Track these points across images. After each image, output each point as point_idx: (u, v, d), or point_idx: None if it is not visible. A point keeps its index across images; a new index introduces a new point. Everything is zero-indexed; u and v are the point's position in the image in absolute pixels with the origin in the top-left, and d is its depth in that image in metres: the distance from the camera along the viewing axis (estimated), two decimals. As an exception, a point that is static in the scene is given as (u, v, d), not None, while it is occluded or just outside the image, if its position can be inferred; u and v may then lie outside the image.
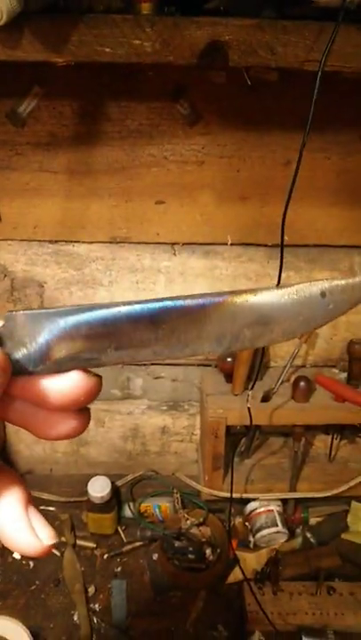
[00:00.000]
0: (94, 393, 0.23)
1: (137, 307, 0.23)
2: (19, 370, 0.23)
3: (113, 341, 0.23)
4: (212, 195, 0.93)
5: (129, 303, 0.23)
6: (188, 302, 0.24)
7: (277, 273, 1.00)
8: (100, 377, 0.24)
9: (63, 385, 0.23)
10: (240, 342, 0.24)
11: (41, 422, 0.24)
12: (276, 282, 1.01)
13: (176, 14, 0.56)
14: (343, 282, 0.24)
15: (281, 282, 0.82)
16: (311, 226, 0.96)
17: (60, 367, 0.23)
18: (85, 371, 0.23)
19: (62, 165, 0.90)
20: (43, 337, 0.23)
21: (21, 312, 0.23)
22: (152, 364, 1.12)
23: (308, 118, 0.67)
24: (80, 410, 0.24)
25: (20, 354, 0.23)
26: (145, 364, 1.12)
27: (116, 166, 0.90)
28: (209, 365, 1.10)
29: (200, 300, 0.24)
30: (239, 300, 0.24)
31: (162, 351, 0.24)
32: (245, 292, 0.24)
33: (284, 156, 0.90)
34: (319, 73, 0.56)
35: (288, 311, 0.24)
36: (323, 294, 0.24)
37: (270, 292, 0.24)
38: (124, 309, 0.23)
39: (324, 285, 0.24)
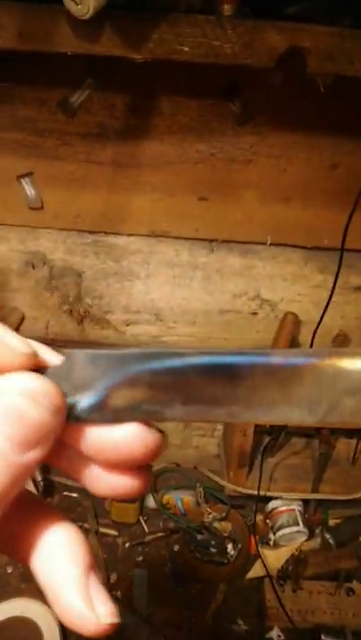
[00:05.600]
0: (154, 450, 0.20)
1: (214, 357, 0.20)
2: (72, 415, 0.20)
3: (181, 395, 0.20)
4: (256, 194, 0.93)
5: (205, 353, 0.20)
6: (278, 358, 0.20)
7: (314, 276, 1.01)
8: (163, 433, 0.21)
9: (118, 437, 0.20)
10: (338, 414, 0.20)
11: (93, 476, 0.21)
12: (311, 284, 1.02)
13: (250, 16, 0.56)
14: None
15: (328, 286, 0.82)
16: (353, 230, 0.96)
17: (118, 417, 0.20)
18: (147, 424, 0.20)
19: (109, 157, 0.90)
20: (101, 381, 0.20)
21: (83, 351, 0.21)
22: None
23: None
24: (139, 468, 0.21)
25: (75, 397, 0.20)
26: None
27: (162, 160, 0.90)
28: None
29: (293, 358, 0.20)
30: (343, 362, 0.20)
31: (240, 413, 0.20)
32: (352, 352, 0.20)
33: (331, 159, 0.90)
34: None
35: None
36: None
37: None
38: (197, 359, 0.20)
39: None
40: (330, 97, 0.83)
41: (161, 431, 0.21)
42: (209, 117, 0.85)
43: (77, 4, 0.49)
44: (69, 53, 0.56)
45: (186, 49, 0.54)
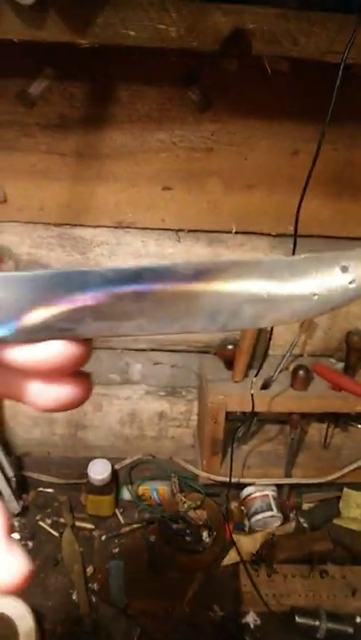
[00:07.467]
0: (80, 359, 0.21)
1: (119, 273, 0.21)
2: None
3: (91, 311, 0.21)
4: (220, 182, 0.93)
5: (111, 269, 0.21)
6: (179, 269, 0.21)
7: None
8: (86, 341, 0.21)
9: (41, 354, 0.21)
10: (239, 320, 0.21)
11: (34, 393, 0.22)
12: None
13: (197, -1, 0.56)
14: None
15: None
16: (316, 217, 0.97)
17: (34, 337, 0.21)
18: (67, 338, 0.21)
19: (70, 148, 0.89)
20: (15, 302, 0.20)
21: None
22: (151, 350, 1.13)
23: (321, 109, 0.68)
24: (76, 375, 0.22)
25: None
26: (144, 350, 1.13)
27: (124, 151, 0.90)
28: (208, 352, 1.12)
29: (192, 268, 0.21)
30: (240, 269, 0.21)
31: (147, 326, 0.21)
32: (248, 262, 0.21)
33: (292, 146, 0.90)
34: (342, 64, 0.56)
35: (300, 287, 0.21)
36: (344, 269, 0.21)
37: (279, 262, 0.21)
38: (103, 276, 0.21)
39: (346, 257, 0.21)
40: (288, 83, 0.84)
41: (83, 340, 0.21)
42: (168, 106, 0.85)
43: (19, -11, 0.48)
44: (16, 41, 0.56)
45: (131, 33, 0.54)
